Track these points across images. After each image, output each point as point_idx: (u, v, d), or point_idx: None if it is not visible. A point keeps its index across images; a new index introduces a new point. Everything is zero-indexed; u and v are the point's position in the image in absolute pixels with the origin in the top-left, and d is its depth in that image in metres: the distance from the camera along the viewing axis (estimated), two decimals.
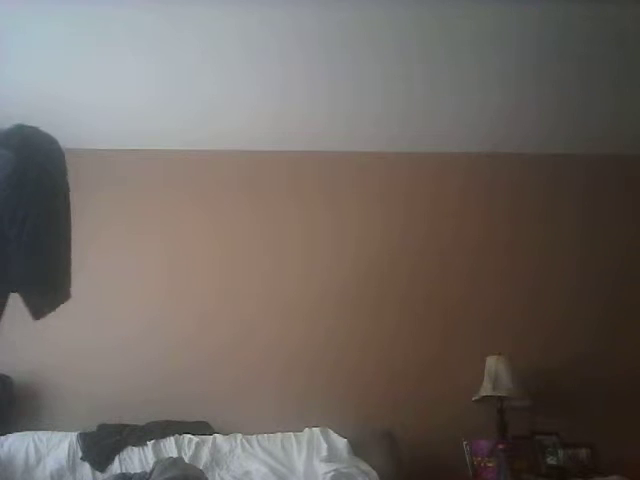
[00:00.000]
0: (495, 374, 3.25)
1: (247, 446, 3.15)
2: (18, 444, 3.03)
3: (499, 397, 3.23)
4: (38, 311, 1.69)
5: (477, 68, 3.16)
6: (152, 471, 2.78)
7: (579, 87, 3.33)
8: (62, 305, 1.79)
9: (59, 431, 3.15)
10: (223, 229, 3.80)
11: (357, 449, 3.12)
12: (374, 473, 2.86)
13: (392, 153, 3.92)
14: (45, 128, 1.74)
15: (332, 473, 2.82)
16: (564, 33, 2.90)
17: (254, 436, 3.21)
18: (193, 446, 3.13)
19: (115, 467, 3.02)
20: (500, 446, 3.14)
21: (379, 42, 2.96)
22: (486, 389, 3.25)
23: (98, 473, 2.99)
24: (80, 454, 3.04)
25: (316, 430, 3.21)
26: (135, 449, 3.11)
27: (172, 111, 3.56)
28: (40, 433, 3.12)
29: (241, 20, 2.82)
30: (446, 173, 3.93)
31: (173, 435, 3.18)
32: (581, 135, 3.79)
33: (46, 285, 1.68)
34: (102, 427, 3.21)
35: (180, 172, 3.90)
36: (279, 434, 3.23)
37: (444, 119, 3.64)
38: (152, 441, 3.14)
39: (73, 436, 3.11)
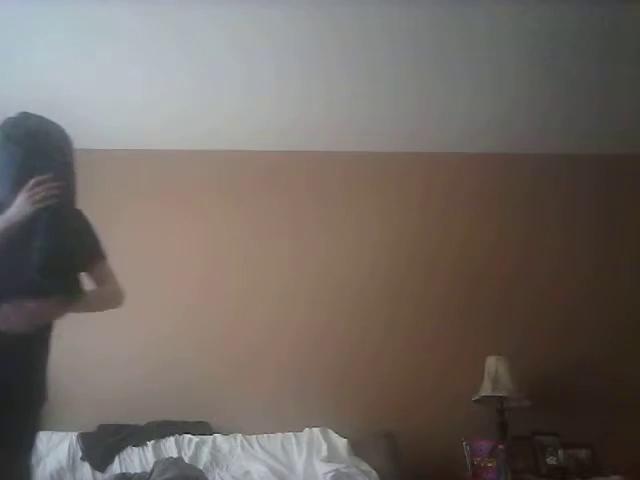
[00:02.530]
0: (495, 374, 3.25)
1: (247, 446, 3.16)
2: None
3: (499, 397, 3.23)
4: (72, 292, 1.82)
5: (492, 68, 3.15)
6: (152, 471, 2.79)
7: (597, 86, 3.32)
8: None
9: (59, 431, 3.15)
10: (222, 228, 3.80)
11: (357, 449, 3.13)
12: (374, 473, 2.87)
13: (405, 153, 3.91)
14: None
15: (332, 473, 2.82)
16: (580, 31, 2.88)
17: (254, 436, 3.21)
18: (193, 446, 3.13)
19: (115, 467, 3.02)
20: (500, 446, 3.14)
21: (394, 42, 2.96)
22: (486, 389, 3.25)
23: (98, 473, 2.99)
24: (80, 454, 3.05)
25: (316, 430, 3.21)
26: (135, 449, 3.11)
27: (168, 110, 3.55)
28: (40, 433, 3.11)
29: (239, 19, 2.81)
30: (459, 174, 3.92)
31: (173, 435, 3.18)
32: (599, 134, 3.77)
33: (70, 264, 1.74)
34: (102, 427, 3.21)
35: (185, 170, 3.90)
36: (279, 434, 3.23)
37: (459, 119, 3.64)
38: (152, 441, 3.14)
39: (73, 436, 3.11)
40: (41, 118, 1.79)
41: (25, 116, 1.77)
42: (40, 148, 1.72)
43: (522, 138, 3.82)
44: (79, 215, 1.89)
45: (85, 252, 1.84)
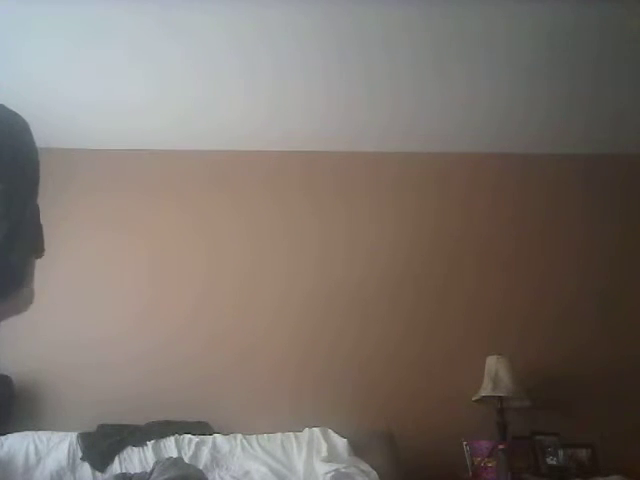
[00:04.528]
0: (495, 374, 3.25)
1: (247, 446, 3.15)
2: (18, 444, 3.03)
3: (499, 397, 3.23)
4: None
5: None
6: (152, 471, 2.78)
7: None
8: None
9: (59, 431, 3.15)
10: (227, 229, 3.80)
11: (357, 449, 3.12)
12: (374, 473, 2.86)
13: (402, 153, 3.94)
14: (37, 127, 1.68)
15: (332, 473, 2.82)
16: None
17: (254, 436, 3.21)
18: (193, 446, 3.12)
19: (115, 467, 3.01)
20: (500, 446, 3.14)
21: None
22: (486, 389, 3.25)
23: (98, 473, 2.98)
24: (80, 454, 3.04)
25: (316, 430, 3.21)
26: (135, 449, 3.10)
27: (174, 111, 3.56)
28: (40, 433, 3.12)
29: (261, 18, 2.82)
30: (452, 173, 3.94)
31: (173, 435, 3.18)
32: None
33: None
34: (102, 427, 3.21)
35: (181, 171, 3.91)
36: (279, 434, 3.22)
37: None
38: (152, 441, 3.13)
39: (73, 436, 3.11)
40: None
41: None
42: None
43: (540, 138, 3.84)
44: (34, 209, 1.79)
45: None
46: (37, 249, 1.80)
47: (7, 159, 1.58)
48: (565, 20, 2.82)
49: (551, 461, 3.24)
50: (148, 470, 2.85)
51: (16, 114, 1.63)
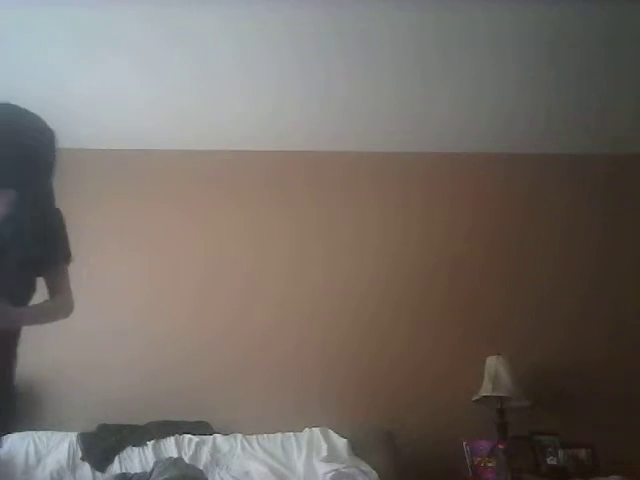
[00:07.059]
0: (495, 374, 3.25)
1: (247, 446, 3.15)
2: (18, 444, 3.03)
3: (499, 397, 3.23)
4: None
5: (495, 67, 3.16)
6: (152, 471, 2.78)
7: (601, 86, 3.32)
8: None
9: (59, 431, 3.15)
10: (222, 229, 3.80)
11: (357, 449, 3.12)
12: (374, 473, 2.87)
13: (407, 153, 3.93)
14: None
15: (332, 473, 2.82)
16: (584, 30, 2.88)
17: (254, 436, 3.21)
18: (193, 446, 3.13)
19: (115, 467, 3.01)
20: (500, 446, 3.14)
21: (396, 42, 2.97)
22: (486, 389, 3.25)
23: (98, 473, 2.98)
24: (80, 454, 3.04)
25: (316, 430, 3.21)
26: (135, 449, 3.11)
27: (171, 111, 3.56)
28: (40, 433, 3.12)
29: (239, 22, 2.82)
30: (460, 174, 3.93)
31: (173, 435, 3.18)
32: (603, 134, 3.77)
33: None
34: (102, 427, 3.21)
35: (185, 171, 3.91)
36: (279, 434, 3.23)
37: (462, 119, 3.65)
38: (152, 441, 3.14)
39: (73, 436, 3.11)
40: (17, 108, 1.58)
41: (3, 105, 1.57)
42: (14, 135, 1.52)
43: (524, 138, 3.83)
44: (52, 214, 1.73)
45: (47, 254, 1.67)
46: (63, 256, 1.77)
47: (18, 160, 1.53)
48: (551, 19, 2.80)
49: (551, 461, 3.23)
50: (148, 470, 2.86)
51: (27, 113, 1.58)
